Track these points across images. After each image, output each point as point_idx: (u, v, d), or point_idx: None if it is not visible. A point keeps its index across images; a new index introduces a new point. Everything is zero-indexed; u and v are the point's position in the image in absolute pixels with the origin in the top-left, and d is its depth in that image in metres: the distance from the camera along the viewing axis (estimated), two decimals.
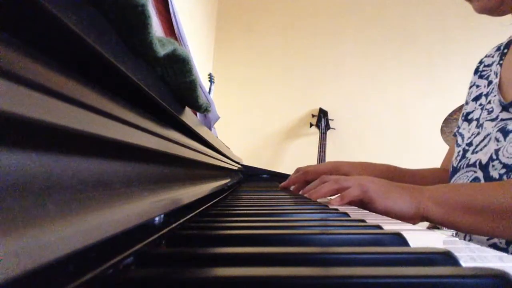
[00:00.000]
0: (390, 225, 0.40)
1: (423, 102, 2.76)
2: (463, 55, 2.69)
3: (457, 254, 0.21)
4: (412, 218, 0.60)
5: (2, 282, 0.09)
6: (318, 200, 0.66)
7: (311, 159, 2.58)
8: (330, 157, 2.60)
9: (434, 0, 2.82)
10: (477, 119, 0.76)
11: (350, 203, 0.63)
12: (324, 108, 2.77)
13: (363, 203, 0.63)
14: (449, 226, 0.59)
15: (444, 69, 2.76)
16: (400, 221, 0.49)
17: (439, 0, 2.81)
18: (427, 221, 0.61)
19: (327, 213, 0.47)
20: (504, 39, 0.81)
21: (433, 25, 2.80)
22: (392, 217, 0.62)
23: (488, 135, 0.69)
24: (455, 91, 2.55)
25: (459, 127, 0.83)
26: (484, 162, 0.66)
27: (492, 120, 0.70)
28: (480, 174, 0.67)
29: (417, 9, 2.83)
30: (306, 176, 0.87)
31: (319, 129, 2.70)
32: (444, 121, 1.51)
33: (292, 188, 0.95)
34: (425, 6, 2.82)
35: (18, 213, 0.10)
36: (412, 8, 2.84)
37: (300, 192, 0.82)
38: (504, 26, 0.74)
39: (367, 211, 0.57)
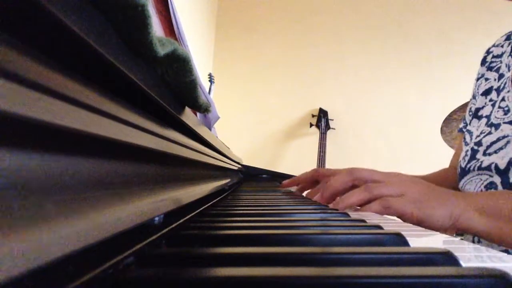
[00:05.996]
0: (390, 225, 0.40)
1: (423, 102, 2.76)
2: (463, 55, 2.69)
3: (457, 254, 0.21)
4: (447, 229, 0.52)
5: (2, 282, 0.09)
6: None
7: (311, 159, 2.58)
8: (330, 157, 2.60)
9: (434, 0, 2.82)
10: (487, 116, 0.71)
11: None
12: (324, 108, 2.77)
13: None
14: (495, 238, 0.51)
15: (444, 69, 2.76)
16: (400, 221, 0.49)
17: (439, 0, 2.81)
18: (466, 232, 0.54)
19: (327, 213, 0.47)
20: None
21: (433, 25, 2.80)
22: (424, 227, 0.55)
23: (505, 137, 0.63)
24: (455, 91, 2.55)
25: (466, 124, 0.78)
26: (502, 167, 0.60)
27: (511, 122, 0.64)
28: (497, 180, 0.61)
29: (417, 9, 2.83)
30: (317, 176, 0.75)
31: (319, 129, 2.70)
32: (444, 121, 1.51)
33: (295, 188, 0.87)
34: (425, 6, 2.83)
35: (18, 213, 0.10)
36: (412, 8, 2.84)
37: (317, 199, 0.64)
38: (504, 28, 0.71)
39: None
